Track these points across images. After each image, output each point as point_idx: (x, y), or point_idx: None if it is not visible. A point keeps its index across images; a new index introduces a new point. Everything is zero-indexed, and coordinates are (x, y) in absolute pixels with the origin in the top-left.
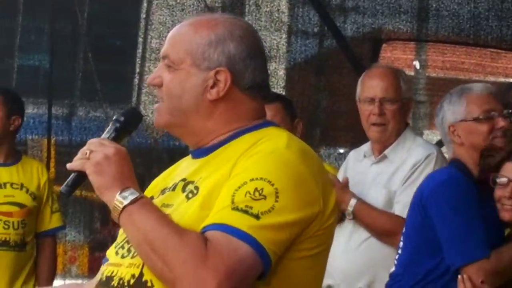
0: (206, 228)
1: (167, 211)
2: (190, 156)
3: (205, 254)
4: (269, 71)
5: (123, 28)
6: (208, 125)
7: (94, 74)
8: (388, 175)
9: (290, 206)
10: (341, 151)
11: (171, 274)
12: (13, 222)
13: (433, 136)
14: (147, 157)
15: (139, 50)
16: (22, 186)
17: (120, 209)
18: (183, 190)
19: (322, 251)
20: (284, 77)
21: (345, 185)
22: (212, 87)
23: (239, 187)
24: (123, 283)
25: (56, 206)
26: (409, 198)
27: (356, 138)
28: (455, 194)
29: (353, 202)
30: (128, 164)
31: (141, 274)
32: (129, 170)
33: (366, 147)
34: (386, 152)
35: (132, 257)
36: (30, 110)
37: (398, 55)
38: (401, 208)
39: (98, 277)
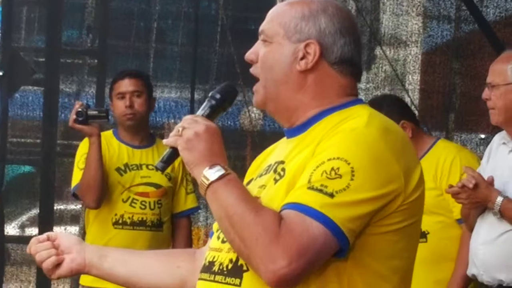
0: (283, 208)
1: (261, 192)
2: (285, 137)
3: (278, 231)
4: (410, 56)
5: (259, 12)
6: (298, 98)
7: (234, 58)
8: None
9: (366, 184)
10: (483, 136)
11: (246, 250)
12: (149, 202)
13: None
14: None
15: None
16: None
17: (206, 185)
18: (275, 171)
19: (412, 224)
20: (424, 61)
21: (490, 183)
22: (301, 58)
23: (317, 167)
24: (223, 268)
25: (191, 187)
26: None
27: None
28: None
29: (499, 200)
30: (218, 141)
31: (237, 259)
32: (219, 147)
33: (505, 132)
34: None
35: None
36: (173, 94)
37: None
38: None
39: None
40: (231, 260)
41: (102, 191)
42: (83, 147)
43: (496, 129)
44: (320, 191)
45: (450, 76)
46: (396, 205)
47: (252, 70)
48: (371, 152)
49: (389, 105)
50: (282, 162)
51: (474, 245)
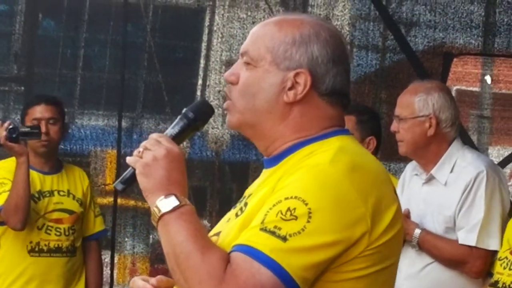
0: (232, 249)
1: (226, 225)
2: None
3: (222, 276)
4: None
5: (187, 40)
6: (279, 129)
7: (161, 86)
8: (440, 198)
9: (323, 228)
10: None
11: None
12: (64, 229)
13: (496, 151)
14: (209, 170)
15: (202, 63)
16: (68, 192)
17: (158, 217)
18: (243, 203)
19: (383, 269)
20: (353, 90)
21: (406, 215)
22: (290, 88)
23: (274, 206)
24: None
25: (98, 210)
26: (469, 225)
27: None
28: None
29: (417, 233)
30: (177, 167)
31: None
32: (178, 175)
33: (417, 163)
34: (432, 172)
35: None
36: (100, 122)
37: (470, 70)
38: (464, 236)
39: None
40: None
41: (28, 212)
42: None
43: None
44: (273, 233)
45: (378, 105)
46: (359, 250)
47: (227, 89)
48: (332, 192)
49: (374, 116)
50: (250, 195)
51: (397, 280)
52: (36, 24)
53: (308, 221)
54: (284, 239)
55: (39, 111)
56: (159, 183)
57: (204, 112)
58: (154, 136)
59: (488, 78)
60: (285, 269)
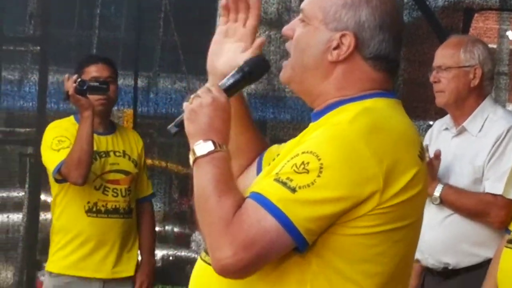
0: (249, 195)
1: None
2: None
3: (230, 220)
4: None
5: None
6: (322, 86)
7: (177, 45)
8: (471, 149)
9: (332, 183)
10: (431, 123)
11: (204, 234)
12: (121, 190)
13: None
14: None
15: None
16: (124, 153)
17: (193, 160)
18: (277, 154)
19: (396, 229)
20: None
21: (437, 157)
22: (335, 48)
23: (292, 158)
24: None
25: (148, 173)
26: (497, 174)
27: (445, 111)
28: None
29: (439, 187)
30: (221, 116)
31: None
32: (220, 123)
33: (447, 119)
34: (464, 124)
35: None
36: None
37: (491, 25)
38: (491, 185)
39: None
40: None
41: (90, 168)
42: (53, 131)
43: (442, 116)
44: (284, 184)
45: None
46: (369, 208)
47: (287, 45)
48: (345, 150)
49: None
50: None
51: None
52: None
53: (319, 176)
54: (293, 190)
55: (97, 70)
56: (200, 129)
57: (260, 66)
58: (208, 84)
59: (510, 34)
60: (289, 219)
